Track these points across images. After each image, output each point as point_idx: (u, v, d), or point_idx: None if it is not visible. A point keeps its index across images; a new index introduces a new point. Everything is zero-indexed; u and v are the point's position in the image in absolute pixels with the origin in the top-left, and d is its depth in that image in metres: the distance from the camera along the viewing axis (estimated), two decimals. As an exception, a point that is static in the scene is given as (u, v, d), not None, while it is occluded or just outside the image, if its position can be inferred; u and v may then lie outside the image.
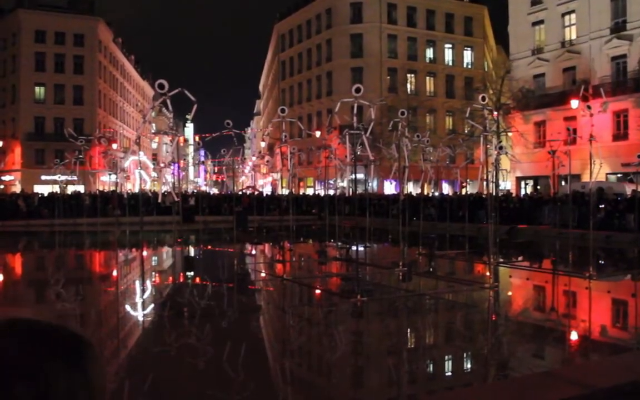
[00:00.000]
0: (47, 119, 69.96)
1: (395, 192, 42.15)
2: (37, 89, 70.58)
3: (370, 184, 40.58)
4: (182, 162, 39.68)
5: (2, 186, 66.19)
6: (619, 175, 42.23)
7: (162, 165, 13.27)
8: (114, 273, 19.25)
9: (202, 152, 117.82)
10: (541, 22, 50.66)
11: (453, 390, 7.25)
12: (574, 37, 47.95)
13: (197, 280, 17.12)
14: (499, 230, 29.41)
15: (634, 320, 12.76)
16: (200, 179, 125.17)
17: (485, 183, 28.91)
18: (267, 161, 43.18)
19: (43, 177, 58.95)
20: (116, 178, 28.57)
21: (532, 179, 50.27)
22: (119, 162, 24.57)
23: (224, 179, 43.16)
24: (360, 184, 42.41)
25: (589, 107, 19.14)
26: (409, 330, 11.32)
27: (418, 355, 9.25)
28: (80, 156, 27.36)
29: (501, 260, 21.20)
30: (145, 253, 21.57)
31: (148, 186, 56.44)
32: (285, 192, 32.55)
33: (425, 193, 25.65)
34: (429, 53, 68.43)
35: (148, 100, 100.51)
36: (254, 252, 25.65)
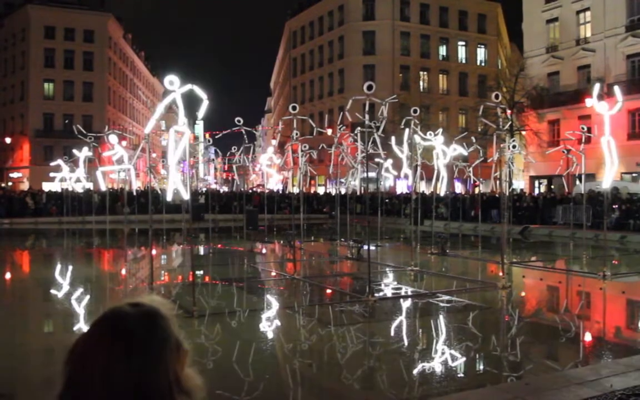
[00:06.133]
0: (56, 115, 70.06)
1: (407, 191, 41.87)
2: (46, 85, 70.71)
3: (382, 183, 40.26)
4: (192, 159, 39.56)
5: (10, 183, 66.23)
6: (634, 174, 41.82)
7: (171, 162, 13.00)
8: (123, 271, 19.09)
9: (212, 150, 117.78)
10: (555, 19, 50.16)
11: (467, 391, 7.01)
12: (588, 34, 47.43)
13: (207, 279, 16.95)
14: (512, 230, 29.14)
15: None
16: (210, 177, 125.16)
17: (498, 182, 28.59)
18: (277, 159, 42.93)
19: (51, 174, 58.87)
20: (125, 175, 28.34)
21: (545, 178, 49.77)
22: (128, 159, 24.35)
23: (234, 177, 42.87)
24: (372, 182, 42.13)
25: (603, 105, 18.70)
26: (420, 330, 11.07)
27: (430, 356, 9.01)
28: (89, 153, 27.19)
29: (514, 260, 21.00)
30: (154, 251, 21.40)
31: (157, 184, 56.37)
32: (296, 190, 32.34)
33: (437, 192, 25.35)
34: (442, 50, 68.05)
35: (158, 97, 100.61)
36: (264, 250, 25.43)
